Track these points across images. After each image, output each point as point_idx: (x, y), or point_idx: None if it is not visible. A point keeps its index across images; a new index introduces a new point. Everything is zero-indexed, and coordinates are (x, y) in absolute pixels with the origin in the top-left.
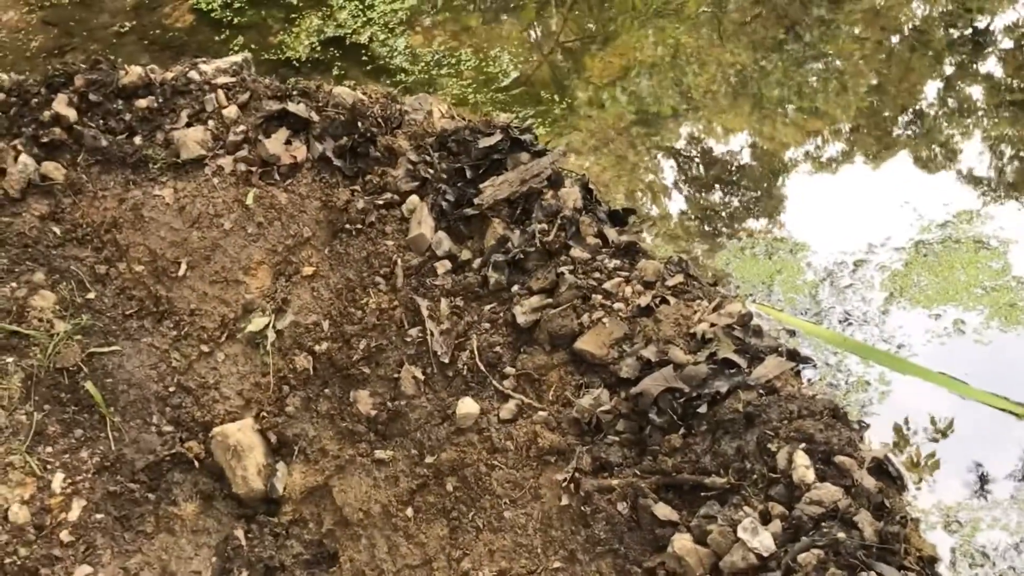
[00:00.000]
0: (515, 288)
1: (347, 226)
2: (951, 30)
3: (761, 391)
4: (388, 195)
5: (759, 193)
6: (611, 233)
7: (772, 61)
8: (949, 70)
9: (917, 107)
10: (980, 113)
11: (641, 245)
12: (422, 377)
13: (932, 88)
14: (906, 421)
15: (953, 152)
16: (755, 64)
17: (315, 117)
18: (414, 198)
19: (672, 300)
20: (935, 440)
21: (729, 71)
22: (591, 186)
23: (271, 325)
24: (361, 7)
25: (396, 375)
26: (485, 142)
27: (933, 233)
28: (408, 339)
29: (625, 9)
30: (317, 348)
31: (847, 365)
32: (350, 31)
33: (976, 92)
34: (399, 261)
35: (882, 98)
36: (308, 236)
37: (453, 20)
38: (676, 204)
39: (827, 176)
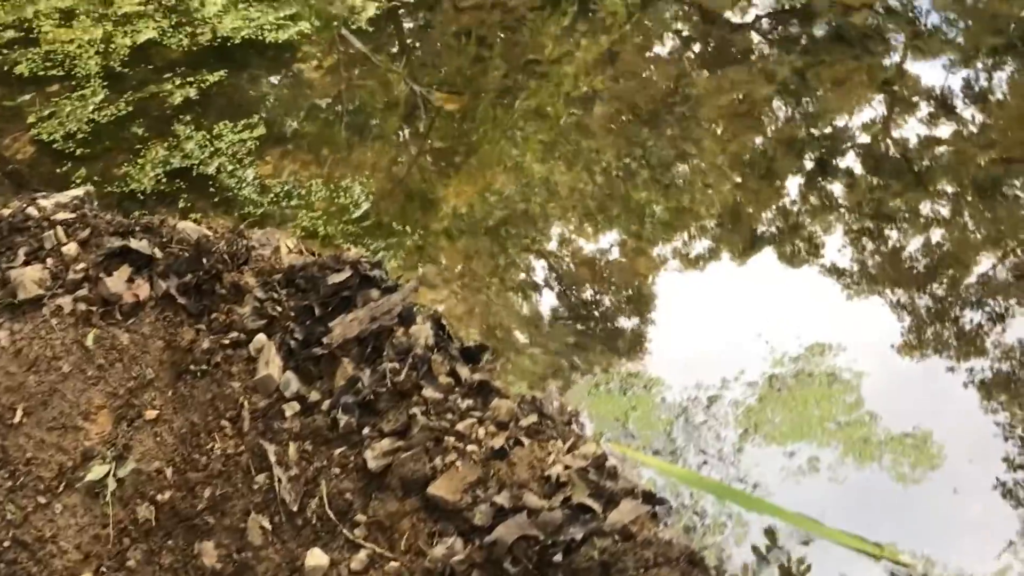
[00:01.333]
0: (366, 431)
1: (192, 367)
2: (811, 129)
3: (617, 537)
4: (234, 334)
5: (614, 327)
6: (464, 371)
7: (635, 172)
8: (809, 166)
9: (779, 207)
10: (840, 216)
11: (494, 384)
12: (270, 527)
13: (793, 184)
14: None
15: (806, 277)
16: (618, 177)
17: (158, 254)
18: (261, 337)
19: (526, 441)
20: None
21: (589, 194)
22: (443, 322)
23: (111, 473)
24: (209, 137)
25: (243, 525)
26: (334, 278)
27: (786, 367)
28: (255, 486)
29: (487, 121)
30: (160, 497)
31: (703, 506)
32: (197, 162)
33: (837, 190)
34: (245, 403)
35: (745, 195)
36: (151, 378)
37: (304, 149)
38: (531, 338)
39: (683, 306)
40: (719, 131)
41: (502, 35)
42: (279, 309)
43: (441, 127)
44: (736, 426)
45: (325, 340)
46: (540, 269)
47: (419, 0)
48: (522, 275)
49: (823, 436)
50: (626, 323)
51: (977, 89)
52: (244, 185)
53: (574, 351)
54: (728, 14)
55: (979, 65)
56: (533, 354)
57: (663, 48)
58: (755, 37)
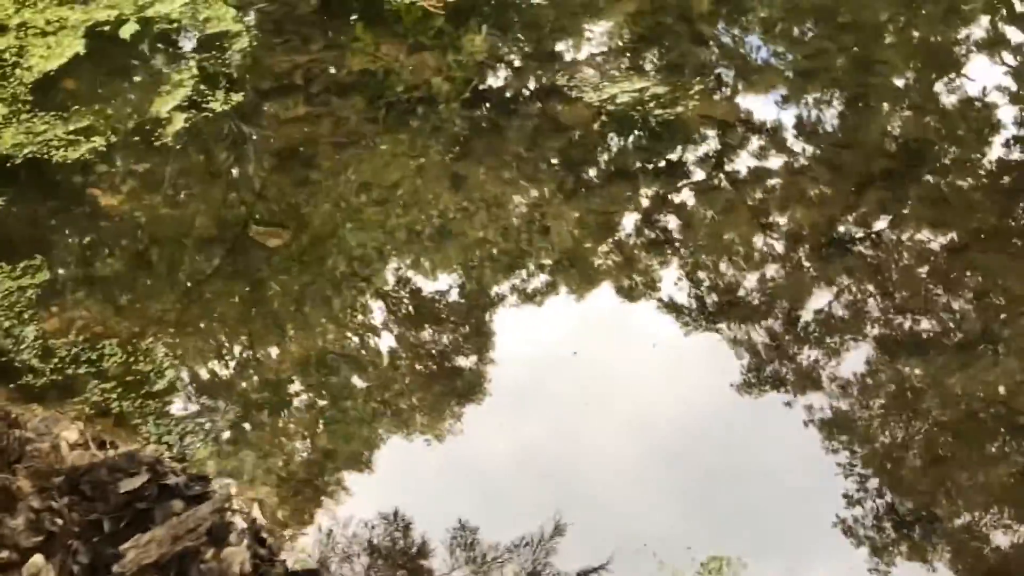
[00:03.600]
0: None
1: None
2: (647, 164)
3: None
4: (5, 553)
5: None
6: None
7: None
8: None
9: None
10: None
11: None
12: None
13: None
14: None
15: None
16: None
17: None
18: (38, 558)
19: None
20: None
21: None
22: (264, 535)
23: None
24: None
25: None
26: (127, 484)
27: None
28: None
29: (313, 265)
30: None
31: None
32: None
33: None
34: None
35: (581, 231)
36: None
37: (97, 299)
38: (368, 536)
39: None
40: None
41: (333, 152)
42: (60, 522)
43: (262, 269)
44: None
45: (116, 568)
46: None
47: (235, 111)
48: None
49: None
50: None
51: (807, 121)
52: (22, 348)
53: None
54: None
55: (809, 99)
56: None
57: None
58: None
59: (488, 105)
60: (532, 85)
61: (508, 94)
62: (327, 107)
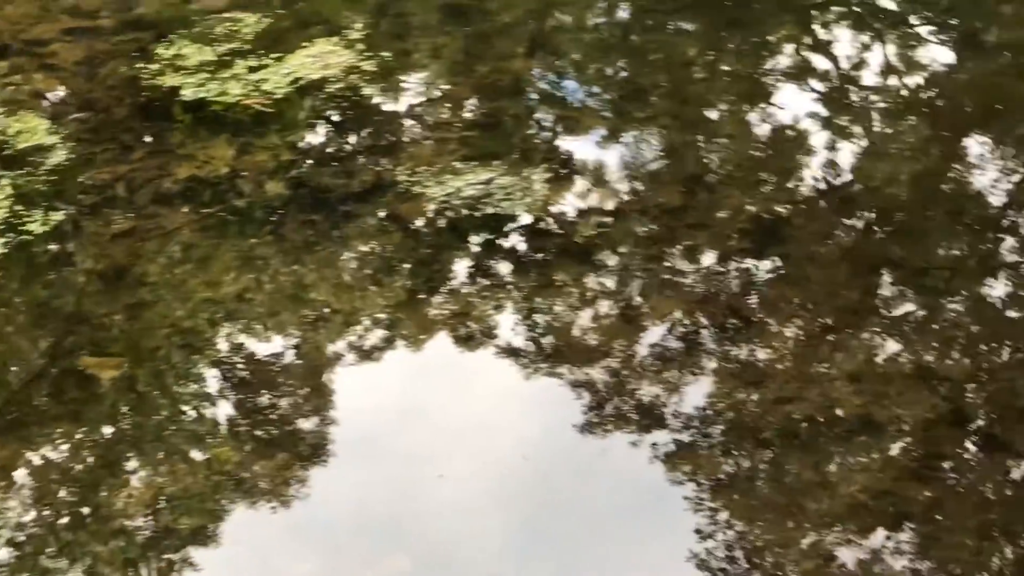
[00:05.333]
0: None
1: None
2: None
3: None
4: None
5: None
6: None
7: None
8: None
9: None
10: None
11: None
12: None
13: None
14: None
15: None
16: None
17: None
18: None
19: None
20: None
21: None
22: None
23: None
24: None
25: None
26: None
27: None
28: None
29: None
30: None
31: None
32: None
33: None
34: None
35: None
36: None
37: None
38: None
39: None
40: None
41: (168, 268)
42: None
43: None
44: None
45: None
46: None
47: (56, 231)
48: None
49: None
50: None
51: (629, 159)
52: None
53: None
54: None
55: (628, 136)
56: None
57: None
58: None
59: (325, 205)
60: (370, 180)
61: (345, 192)
62: (154, 219)
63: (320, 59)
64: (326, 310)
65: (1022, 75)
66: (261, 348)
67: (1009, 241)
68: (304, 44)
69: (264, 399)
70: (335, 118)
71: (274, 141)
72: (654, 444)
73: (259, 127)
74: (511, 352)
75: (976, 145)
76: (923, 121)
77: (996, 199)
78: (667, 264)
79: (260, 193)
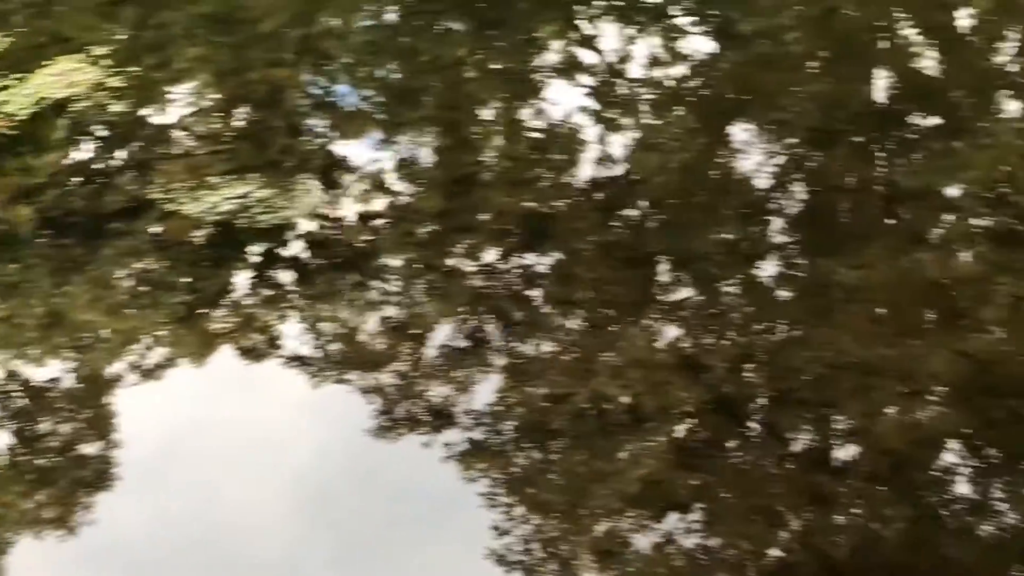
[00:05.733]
0: None
1: None
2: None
3: None
4: None
5: None
6: None
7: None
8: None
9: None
10: None
11: None
12: None
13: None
14: None
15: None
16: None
17: None
18: None
19: None
20: None
21: None
22: None
23: None
24: None
25: None
26: None
27: None
28: None
29: None
30: None
31: None
32: None
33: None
34: None
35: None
36: None
37: None
38: None
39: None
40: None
41: None
42: None
43: None
44: None
45: None
46: None
47: None
48: None
49: None
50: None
51: (404, 161)
52: None
53: None
54: None
55: (403, 138)
56: None
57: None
58: None
59: (88, 225)
60: (132, 198)
61: (111, 210)
62: None
63: (64, 77)
64: (102, 332)
65: (776, 62)
66: (37, 374)
67: (777, 223)
68: (47, 63)
69: (44, 426)
70: (100, 134)
71: (28, 163)
72: (447, 444)
73: (9, 149)
74: (298, 361)
75: (740, 132)
76: (689, 111)
77: (761, 183)
78: (444, 265)
79: (17, 216)
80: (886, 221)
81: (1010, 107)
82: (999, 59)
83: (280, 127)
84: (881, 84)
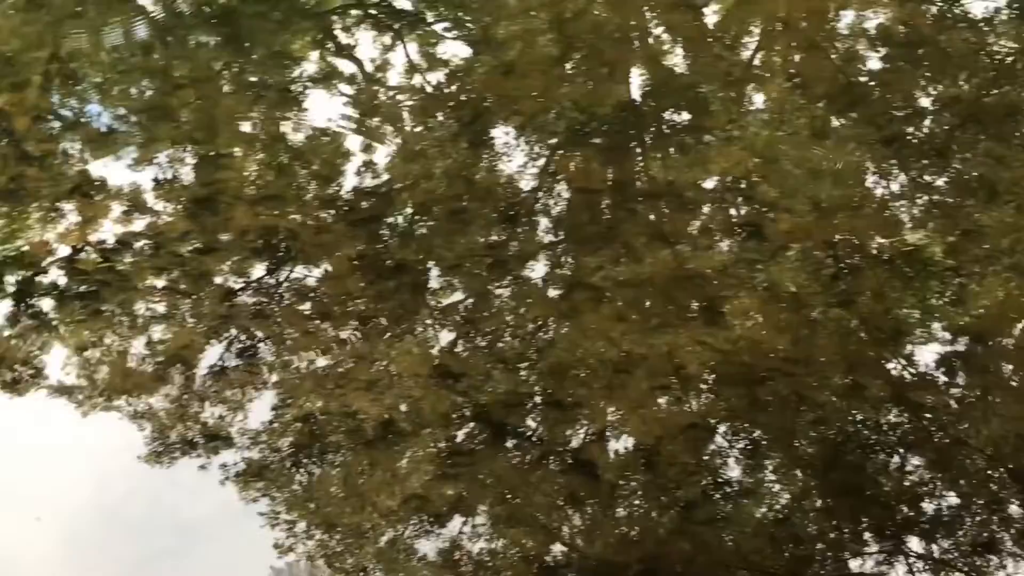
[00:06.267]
0: None
1: None
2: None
3: None
4: None
5: None
6: None
7: None
8: None
9: None
10: None
11: None
12: None
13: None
14: None
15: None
16: None
17: None
18: None
19: None
20: None
21: None
22: None
23: None
24: None
25: None
26: None
27: None
28: None
29: None
30: None
31: None
32: None
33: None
34: None
35: None
36: None
37: None
38: None
39: None
40: None
41: None
42: None
43: None
44: None
45: None
46: None
47: None
48: None
49: None
50: None
51: (161, 181)
52: None
53: None
54: None
55: (160, 157)
56: None
57: None
58: None
59: None
60: None
61: None
62: None
63: None
64: None
65: (531, 65)
66: None
67: (543, 222)
68: None
69: None
70: None
71: None
72: (223, 465)
73: None
74: (64, 391)
75: (501, 135)
76: (449, 116)
77: (525, 184)
78: (210, 283)
79: None
80: (646, 216)
81: (756, 100)
82: (744, 54)
83: (10, 154)
84: (635, 83)
